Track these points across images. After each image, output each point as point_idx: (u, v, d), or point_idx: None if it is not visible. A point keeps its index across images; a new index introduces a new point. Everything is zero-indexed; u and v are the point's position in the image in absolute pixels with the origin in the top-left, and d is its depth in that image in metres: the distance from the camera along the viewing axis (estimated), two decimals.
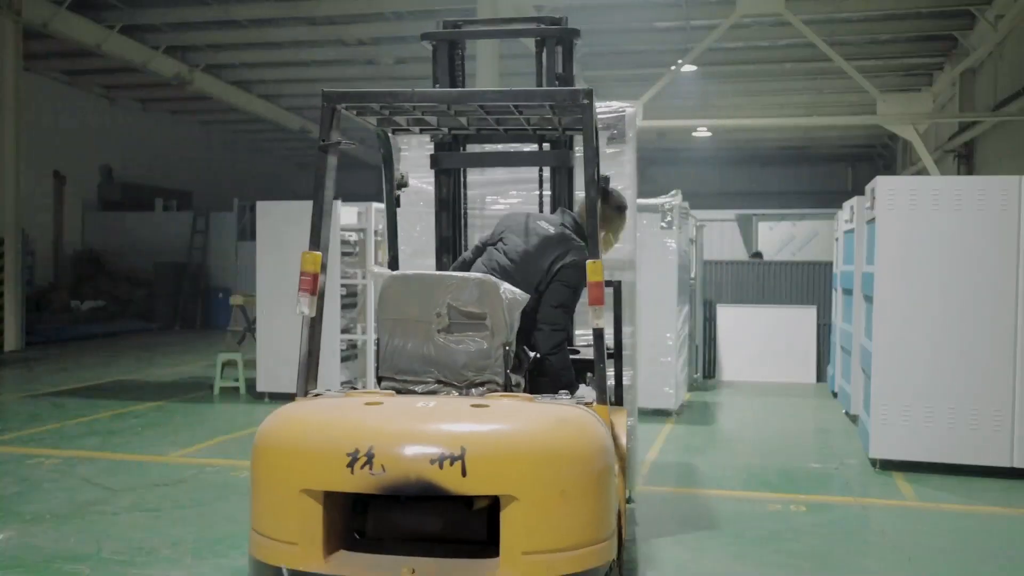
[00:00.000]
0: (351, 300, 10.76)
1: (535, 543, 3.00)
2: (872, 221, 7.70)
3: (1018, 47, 14.78)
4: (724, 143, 28.69)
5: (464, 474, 2.99)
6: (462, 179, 5.14)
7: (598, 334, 3.56)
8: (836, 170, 31.78)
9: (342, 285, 10.45)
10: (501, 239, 4.32)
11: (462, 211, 5.12)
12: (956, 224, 7.15)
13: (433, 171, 4.94)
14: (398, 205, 4.79)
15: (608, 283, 4.77)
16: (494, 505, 3.08)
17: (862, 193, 8.61)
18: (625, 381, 5.27)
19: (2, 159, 15.86)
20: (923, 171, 15.83)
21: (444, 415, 3.26)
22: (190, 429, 9.06)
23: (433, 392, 3.70)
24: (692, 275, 11.70)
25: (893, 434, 7.30)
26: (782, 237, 17.87)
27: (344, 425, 3.21)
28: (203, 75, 20.56)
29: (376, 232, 10.75)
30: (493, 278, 3.83)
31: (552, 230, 4.24)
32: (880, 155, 29.86)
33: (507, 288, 3.79)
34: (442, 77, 4.94)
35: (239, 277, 20.61)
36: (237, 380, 11.31)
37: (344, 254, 10.54)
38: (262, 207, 10.89)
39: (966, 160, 18.20)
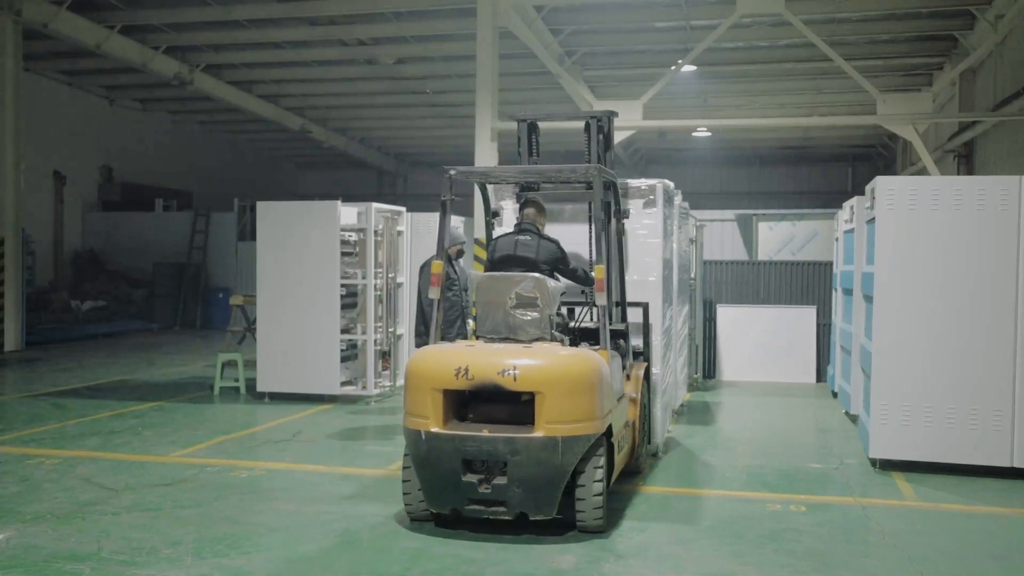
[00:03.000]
0: (351, 300, 10.74)
1: (553, 417, 5.43)
2: (872, 221, 7.71)
3: (1018, 47, 14.78)
4: (724, 143, 28.70)
5: (515, 380, 5.48)
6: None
7: (602, 311, 5.85)
8: (836, 170, 31.79)
9: (342, 285, 10.44)
10: (498, 258, 6.51)
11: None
12: (956, 224, 7.16)
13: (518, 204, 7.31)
14: (493, 228, 7.26)
15: (637, 304, 7.51)
16: (531, 400, 5.49)
17: (862, 193, 8.61)
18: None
19: (2, 159, 15.87)
20: (923, 171, 15.84)
21: (506, 352, 5.71)
22: (190, 429, 9.06)
23: (506, 342, 6.01)
24: (692, 275, 11.70)
25: (893, 434, 7.31)
26: (782, 237, 17.87)
27: (453, 355, 5.72)
28: (203, 75, 20.56)
29: (376, 232, 10.75)
30: (543, 276, 6.05)
31: (532, 239, 6.54)
32: (880, 155, 29.86)
33: (551, 282, 6.06)
34: (523, 151, 7.29)
35: (239, 277, 20.63)
36: (237, 380, 11.31)
37: (344, 254, 10.53)
38: (262, 207, 10.88)
39: (966, 160, 18.19)
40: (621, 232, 7.00)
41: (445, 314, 9.01)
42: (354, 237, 10.78)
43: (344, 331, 10.51)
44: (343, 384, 10.62)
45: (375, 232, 10.72)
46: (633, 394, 6.80)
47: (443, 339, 6.84)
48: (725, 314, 13.34)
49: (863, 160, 31.12)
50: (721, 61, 18.51)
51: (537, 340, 5.93)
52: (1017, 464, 7.08)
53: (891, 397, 7.30)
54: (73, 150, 22.47)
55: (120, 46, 17.91)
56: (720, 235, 18.75)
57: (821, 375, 12.86)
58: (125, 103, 24.41)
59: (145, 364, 14.42)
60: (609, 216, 6.63)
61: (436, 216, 12.09)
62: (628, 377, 6.83)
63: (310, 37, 18.23)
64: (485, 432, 5.46)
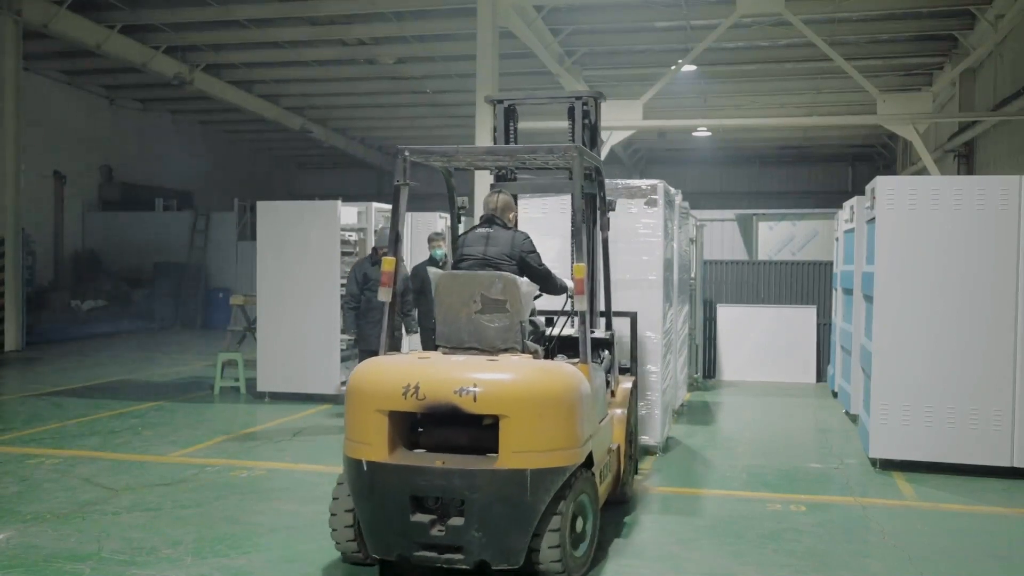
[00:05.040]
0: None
1: (520, 446, 4.52)
2: (872, 221, 7.71)
3: (1018, 47, 14.78)
4: (724, 143, 28.71)
5: (475, 400, 4.53)
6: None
7: (582, 317, 5.02)
8: (836, 170, 31.79)
9: (342, 285, 10.44)
10: (464, 254, 5.59)
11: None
12: (956, 224, 7.16)
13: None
14: (459, 221, 6.19)
15: (625, 313, 6.87)
16: (495, 425, 4.57)
17: (862, 193, 8.61)
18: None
19: (2, 159, 15.86)
20: (923, 171, 15.84)
21: (466, 365, 4.79)
22: (190, 429, 9.06)
23: (470, 352, 5.14)
24: (692, 275, 11.70)
25: (893, 434, 7.31)
26: (782, 237, 17.85)
27: (402, 370, 4.76)
28: (203, 75, 20.56)
29: (376, 232, 10.74)
30: (514, 275, 5.18)
31: (498, 232, 5.61)
32: (880, 155, 29.86)
33: (523, 282, 5.18)
34: (499, 137, 6.59)
35: (239, 277, 20.62)
36: (237, 380, 11.31)
37: (344, 254, 10.53)
38: (262, 207, 10.88)
39: (966, 160, 18.20)
40: (607, 228, 6.32)
41: (368, 316, 8.63)
42: (354, 237, 10.78)
43: (344, 331, 10.51)
44: (343, 384, 10.61)
45: (375, 232, 10.72)
46: (619, 413, 6.07)
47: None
48: (725, 314, 13.34)
49: (863, 160, 31.12)
50: (721, 61, 18.51)
51: (507, 351, 5.10)
52: (1017, 464, 7.08)
53: (891, 397, 7.30)
54: (73, 150, 22.46)
55: (120, 46, 17.91)
56: (720, 235, 18.73)
57: (821, 375, 12.86)
58: (125, 103, 24.41)
59: (145, 364, 14.41)
60: (593, 208, 6.14)
61: (437, 216, 12.27)
62: (613, 394, 6.15)
63: (310, 37, 18.23)
64: (438, 463, 4.56)
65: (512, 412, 4.52)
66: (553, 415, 4.63)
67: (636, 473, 6.81)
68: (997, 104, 15.26)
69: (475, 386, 4.55)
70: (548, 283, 5.68)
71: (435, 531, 4.52)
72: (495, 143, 6.60)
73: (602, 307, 6.65)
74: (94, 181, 23.70)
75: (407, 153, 5.32)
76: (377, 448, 4.62)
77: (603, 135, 15.45)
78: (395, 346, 5.97)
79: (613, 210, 6.33)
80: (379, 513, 4.63)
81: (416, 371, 4.73)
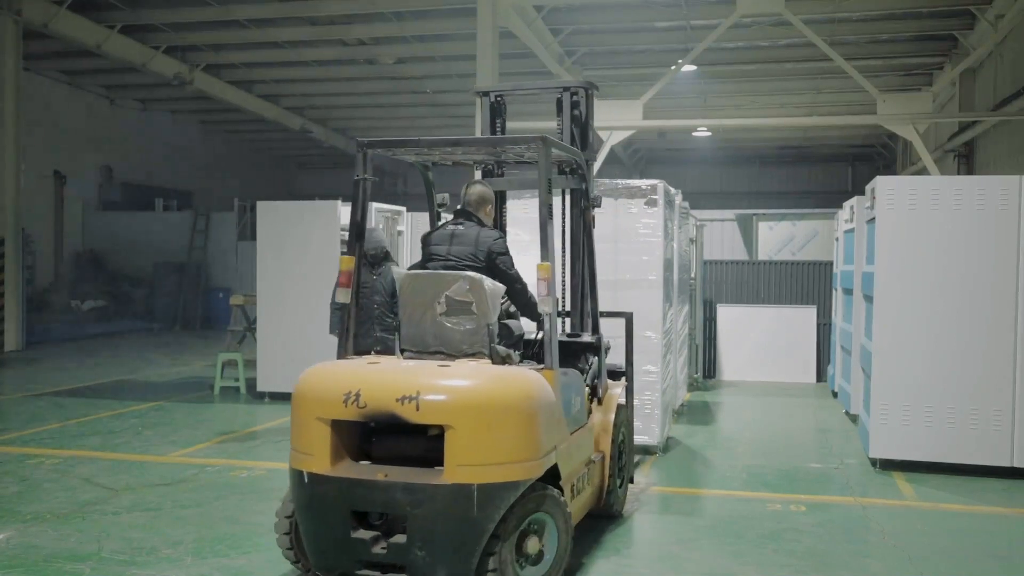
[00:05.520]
0: None
1: (467, 458, 4.20)
2: (872, 221, 7.71)
3: (1018, 47, 14.78)
4: (724, 143, 28.71)
5: (417, 409, 4.24)
6: (503, 200, 6.32)
7: (547, 320, 4.66)
8: (836, 170, 31.80)
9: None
10: (431, 253, 5.30)
11: (502, 224, 6.29)
12: (956, 224, 7.16)
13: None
14: (439, 219, 5.88)
15: (620, 314, 6.51)
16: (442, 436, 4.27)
17: (862, 193, 8.61)
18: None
19: (2, 159, 15.86)
20: (923, 171, 15.83)
21: (414, 371, 4.50)
22: (190, 429, 9.06)
23: (437, 357, 4.85)
24: (692, 275, 11.70)
25: (893, 434, 7.31)
26: (782, 237, 17.85)
27: (345, 376, 4.52)
28: (203, 75, 20.57)
29: (366, 232, 10.75)
30: (480, 275, 4.84)
31: (469, 229, 5.26)
32: (880, 155, 29.87)
33: (489, 281, 4.85)
34: (485, 127, 6.31)
35: (239, 277, 20.62)
36: (237, 380, 11.31)
37: (344, 254, 10.52)
38: (262, 207, 10.88)
39: (966, 160, 18.20)
40: (592, 226, 5.88)
41: (357, 317, 8.21)
42: None
43: (331, 331, 10.49)
44: None
45: (366, 233, 10.72)
46: (604, 421, 5.75)
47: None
48: (725, 314, 13.34)
49: (863, 160, 31.12)
50: (721, 61, 18.52)
51: (474, 356, 4.81)
52: (1017, 464, 7.08)
53: (891, 397, 7.29)
54: (73, 150, 22.46)
55: (120, 46, 17.91)
56: (720, 235, 18.72)
57: (821, 375, 12.86)
58: (125, 103, 24.41)
59: (145, 364, 14.41)
60: (578, 206, 5.83)
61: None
62: (600, 402, 5.80)
63: (310, 37, 18.24)
64: (380, 476, 4.28)
65: (457, 422, 4.22)
66: (504, 425, 4.30)
67: (631, 482, 6.50)
68: (997, 104, 15.26)
69: (418, 394, 4.25)
70: (518, 293, 5.26)
71: (378, 548, 4.25)
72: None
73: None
74: (94, 181, 23.70)
75: (365, 144, 5.03)
76: (319, 459, 4.36)
77: (603, 135, 15.60)
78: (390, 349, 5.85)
79: (598, 206, 5.90)
80: (320, 528, 4.39)
81: (360, 377, 4.47)
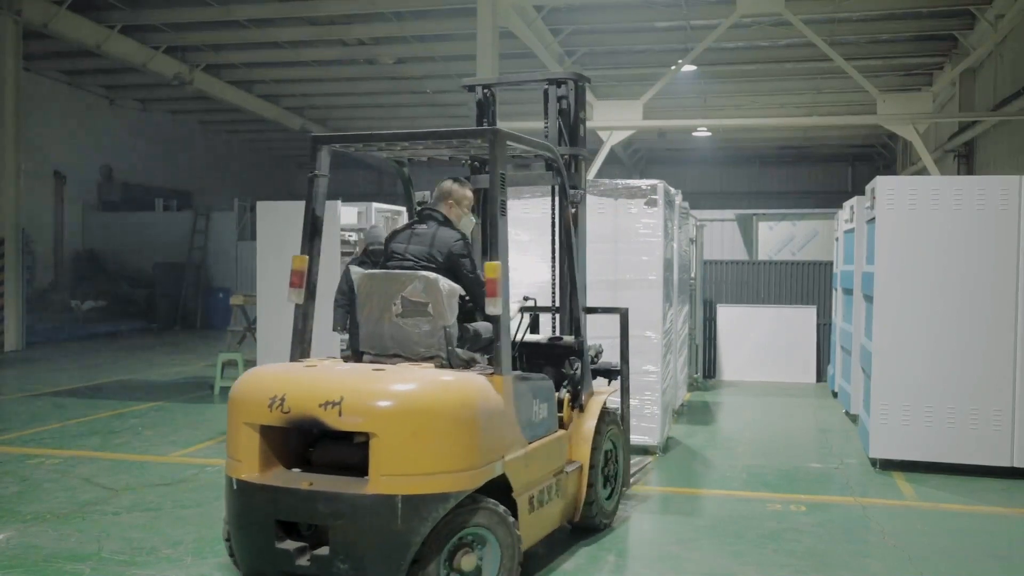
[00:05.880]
0: None
1: (391, 468, 4.00)
2: (872, 221, 7.71)
3: (1018, 47, 14.78)
4: (724, 143, 28.71)
5: (340, 415, 4.06)
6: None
7: (495, 320, 4.46)
8: (836, 170, 31.80)
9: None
10: (391, 251, 5.08)
11: None
12: (956, 224, 7.16)
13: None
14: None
15: (614, 309, 6.24)
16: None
17: (862, 193, 8.61)
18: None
19: (2, 159, 15.87)
20: (923, 171, 15.84)
21: (344, 375, 4.37)
22: (190, 429, 9.06)
23: (395, 360, 4.71)
24: (692, 275, 11.70)
25: (893, 434, 7.31)
26: (782, 237, 17.86)
27: (275, 380, 4.38)
28: (203, 75, 20.57)
29: (366, 231, 10.74)
30: (433, 275, 4.68)
31: (430, 228, 5.05)
32: (880, 155, 29.87)
33: (445, 281, 4.69)
34: (479, 121, 6.12)
35: (239, 277, 20.62)
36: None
37: (344, 254, 10.52)
38: (262, 207, 10.87)
39: (966, 160, 18.20)
40: (572, 223, 5.62)
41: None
42: (354, 237, 10.77)
43: (334, 328, 10.49)
44: None
45: (366, 231, 10.72)
46: (585, 429, 5.47)
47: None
48: (725, 314, 13.34)
49: (863, 160, 31.12)
50: (721, 61, 18.51)
51: (432, 359, 4.65)
52: (1017, 464, 7.08)
53: (891, 397, 7.30)
54: (73, 150, 22.46)
55: (120, 46, 17.92)
56: (720, 235, 18.72)
57: (821, 375, 12.86)
58: (125, 103, 24.41)
59: (145, 364, 14.41)
60: (563, 202, 5.59)
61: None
62: (581, 409, 5.52)
63: (310, 37, 18.24)
64: (305, 485, 4.12)
65: (380, 429, 4.01)
66: (431, 433, 4.06)
67: (625, 488, 6.16)
68: (997, 104, 15.26)
69: (341, 399, 4.07)
70: (478, 296, 4.88)
71: (302, 560, 4.08)
72: None
73: (593, 309, 6.23)
74: (94, 181, 23.69)
75: (321, 141, 4.89)
76: (247, 466, 4.23)
77: (603, 135, 15.61)
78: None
79: (578, 202, 5.67)
80: (248, 537, 4.26)
81: (289, 381, 4.33)
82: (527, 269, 7.21)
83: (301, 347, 4.93)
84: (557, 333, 6.01)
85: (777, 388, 12.35)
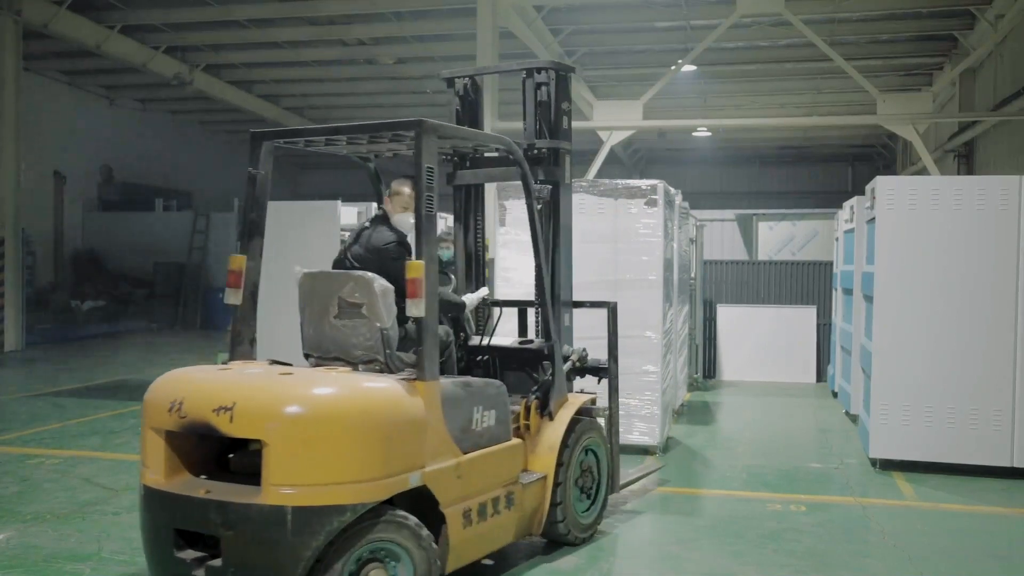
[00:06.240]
0: None
1: (282, 478, 3.81)
2: (872, 221, 7.71)
3: (1018, 47, 14.78)
4: (724, 143, 28.71)
5: (231, 421, 3.88)
6: (479, 196, 6.04)
7: (418, 322, 4.26)
8: (836, 170, 31.79)
9: None
10: (347, 249, 5.19)
11: (478, 226, 6.04)
12: (956, 224, 7.16)
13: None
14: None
15: (602, 303, 6.01)
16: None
17: (862, 193, 8.61)
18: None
19: (2, 159, 15.86)
20: (923, 171, 15.84)
21: (248, 379, 4.22)
22: None
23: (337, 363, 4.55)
24: (692, 275, 11.70)
25: (893, 434, 7.31)
26: (782, 237, 17.87)
27: (179, 384, 4.24)
28: (203, 75, 20.57)
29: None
30: (369, 274, 4.53)
31: (371, 227, 5.11)
32: (880, 155, 29.87)
33: (380, 282, 4.49)
34: (463, 114, 6.02)
35: None
36: None
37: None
38: None
39: (966, 160, 18.20)
40: (537, 220, 5.27)
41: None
42: None
43: None
44: None
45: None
46: (550, 439, 5.16)
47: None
48: (725, 314, 13.34)
49: (863, 160, 31.12)
50: (721, 61, 18.51)
51: (370, 363, 4.49)
52: (1017, 464, 7.08)
53: (891, 397, 7.30)
54: (73, 150, 22.45)
55: (120, 46, 17.92)
56: (720, 235, 18.75)
57: (821, 375, 12.86)
58: (125, 103, 24.40)
59: (145, 364, 14.40)
60: (527, 197, 5.26)
61: (441, 217, 12.25)
62: (551, 417, 5.23)
63: (310, 37, 18.24)
64: (201, 493, 3.97)
65: (271, 436, 3.82)
66: (325, 441, 3.86)
67: (608, 496, 5.75)
68: (997, 104, 15.26)
69: (233, 404, 3.91)
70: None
71: (198, 571, 3.95)
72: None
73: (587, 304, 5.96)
74: (94, 181, 23.69)
75: (262, 137, 4.80)
76: (153, 471, 4.13)
77: (603, 135, 15.61)
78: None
79: (544, 198, 5.35)
80: (152, 545, 4.13)
81: (192, 385, 4.19)
82: (528, 269, 7.19)
83: (239, 349, 4.80)
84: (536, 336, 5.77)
85: (777, 388, 12.35)
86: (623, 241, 7.84)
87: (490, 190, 5.63)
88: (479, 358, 5.67)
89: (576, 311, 5.85)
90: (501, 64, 6.26)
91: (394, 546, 4.02)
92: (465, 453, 4.50)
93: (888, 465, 7.46)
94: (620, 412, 7.65)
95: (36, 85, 20.34)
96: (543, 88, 5.62)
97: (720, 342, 13.25)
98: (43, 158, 20.86)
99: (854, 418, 9.46)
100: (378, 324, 4.41)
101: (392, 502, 4.08)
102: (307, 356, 4.80)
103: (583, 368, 5.79)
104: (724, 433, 9.31)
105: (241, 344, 4.87)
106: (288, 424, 3.84)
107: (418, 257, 4.28)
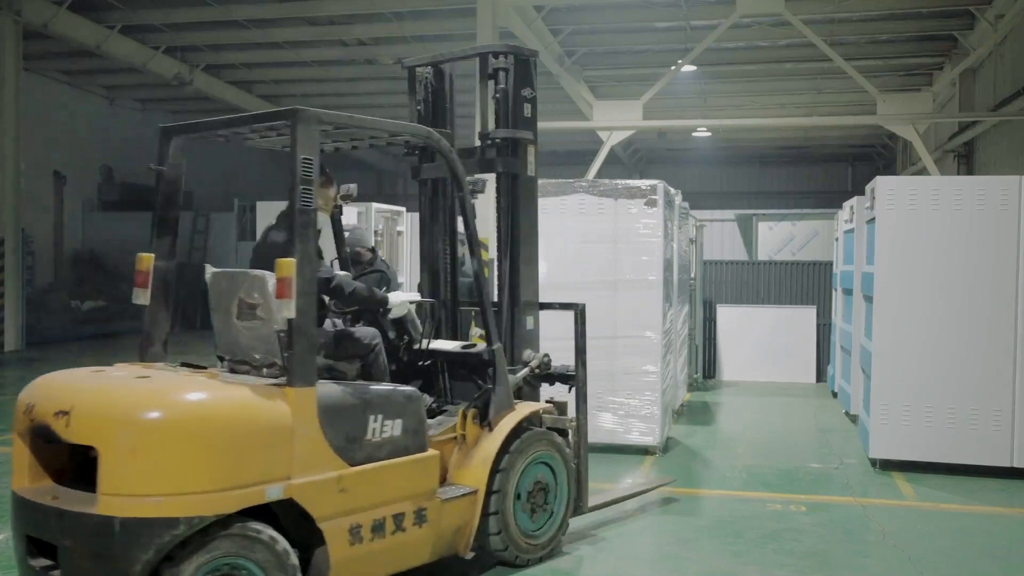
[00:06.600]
0: None
1: (114, 487, 3.61)
2: (872, 221, 7.71)
3: (1018, 47, 14.78)
4: (724, 143, 28.70)
5: (67, 425, 3.73)
6: (447, 191, 5.68)
7: (288, 324, 4.01)
8: (836, 170, 31.79)
9: None
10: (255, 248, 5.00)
11: (447, 224, 5.71)
12: (956, 224, 7.16)
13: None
14: (340, 213, 5.61)
15: (570, 305, 5.58)
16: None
17: (862, 193, 8.61)
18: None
19: (2, 159, 15.86)
20: (923, 171, 15.84)
21: (98, 382, 4.08)
22: None
23: (234, 371, 4.45)
24: (692, 275, 11.70)
25: (893, 434, 7.31)
26: (782, 237, 17.88)
27: (43, 385, 4.11)
28: (203, 75, 20.57)
29: (376, 232, 10.75)
30: (266, 273, 4.20)
31: (275, 223, 5.04)
32: (880, 155, 29.87)
33: (272, 280, 4.16)
34: (420, 105, 5.78)
35: None
36: None
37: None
38: (262, 207, 10.90)
39: (966, 160, 18.20)
40: (470, 215, 4.92)
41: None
42: None
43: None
44: None
45: (375, 232, 10.72)
46: (485, 452, 4.78)
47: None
48: (725, 314, 13.34)
49: (863, 160, 31.12)
50: (721, 61, 18.51)
51: (271, 367, 4.29)
52: (1017, 464, 7.08)
53: (891, 397, 7.30)
54: (73, 150, 22.46)
55: (120, 46, 17.92)
56: (720, 235, 18.73)
57: (821, 375, 12.86)
58: (125, 103, 24.40)
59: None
60: (455, 190, 4.98)
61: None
62: (490, 428, 4.84)
63: (310, 37, 18.23)
64: (49, 500, 3.82)
65: (102, 443, 3.62)
66: (158, 450, 3.62)
67: (579, 513, 5.47)
68: (997, 104, 15.26)
69: (71, 408, 3.75)
70: (339, 293, 4.72)
71: None
72: (418, 118, 5.66)
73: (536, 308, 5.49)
74: (94, 181, 23.69)
75: (171, 132, 4.72)
76: (17, 475, 4.00)
77: (603, 135, 15.61)
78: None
79: (478, 191, 5.06)
80: (14, 550, 4.00)
81: (48, 387, 4.07)
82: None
83: (151, 351, 4.72)
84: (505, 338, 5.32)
85: (777, 388, 12.35)
86: (623, 241, 7.84)
87: (489, 186, 5.31)
88: (420, 364, 5.31)
89: (568, 313, 5.59)
90: (456, 51, 5.98)
91: (246, 561, 3.78)
92: (354, 465, 4.19)
93: (888, 465, 7.46)
94: (620, 412, 7.71)
95: (36, 85, 20.34)
96: (500, 74, 5.28)
97: (720, 342, 13.26)
98: (43, 158, 20.86)
99: (854, 418, 9.46)
100: (275, 325, 4.13)
101: (257, 515, 3.83)
102: (220, 359, 4.62)
103: (547, 375, 5.41)
104: (724, 433, 9.31)
105: (152, 346, 4.77)
106: (118, 430, 3.65)
107: (291, 255, 4.03)
